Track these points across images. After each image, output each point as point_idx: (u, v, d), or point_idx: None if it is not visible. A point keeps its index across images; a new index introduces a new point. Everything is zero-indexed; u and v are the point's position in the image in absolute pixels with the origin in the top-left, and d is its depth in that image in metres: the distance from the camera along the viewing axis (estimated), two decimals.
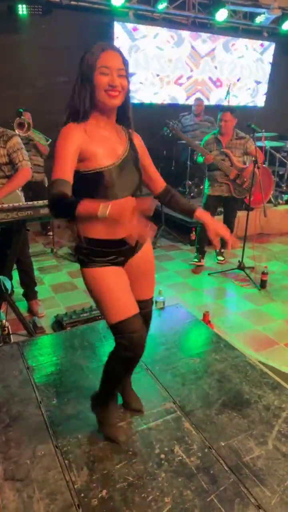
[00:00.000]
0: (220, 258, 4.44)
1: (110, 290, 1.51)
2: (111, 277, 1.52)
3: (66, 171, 1.35)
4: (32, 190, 4.04)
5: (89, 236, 1.50)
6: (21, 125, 4.09)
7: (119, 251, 1.53)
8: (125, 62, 1.39)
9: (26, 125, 4.11)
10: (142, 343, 1.55)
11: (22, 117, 4.19)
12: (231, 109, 4.00)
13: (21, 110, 4.39)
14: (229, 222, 4.35)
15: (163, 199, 1.68)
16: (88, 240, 1.50)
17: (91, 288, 1.53)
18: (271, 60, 7.06)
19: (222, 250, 4.46)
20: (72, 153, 1.36)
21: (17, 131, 4.07)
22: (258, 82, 7.15)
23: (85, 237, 1.50)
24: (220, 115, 3.91)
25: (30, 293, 3.25)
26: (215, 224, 1.55)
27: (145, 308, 1.72)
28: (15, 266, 3.07)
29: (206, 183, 4.15)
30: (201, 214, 1.60)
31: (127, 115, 1.51)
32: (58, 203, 1.31)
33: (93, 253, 1.51)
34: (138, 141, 1.58)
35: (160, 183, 1.69)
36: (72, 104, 1.41)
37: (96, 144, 1.41)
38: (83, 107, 1.40)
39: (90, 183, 1.41)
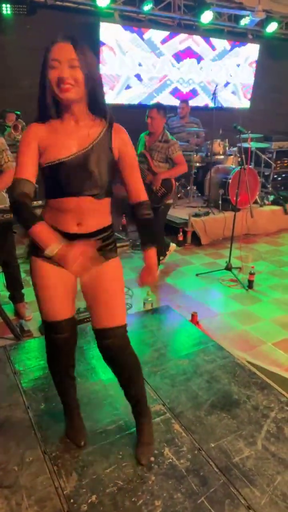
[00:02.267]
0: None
1: (46, 287, 1.51)
2: (51, 275, 1.49)
3: (26, 169, 1.37)
4: None
5: (43, 219, 1.46)
6: (16, 127, 4.08)
7: None
8: (79, 52, 1.30)
9: (21, 128, 4.10)
10: (64, 348, 1.60)
11: (19, 119, 4.18)
12: (157, 106, 3.60)
13: (7, 110, 4.35)
14: (157, 232, 3.94)
15: (132, 214, 1.59)
16: None
17: (32, 278, 1.54)
18: (255, 62, 7.13)
19: (162, 258, 4.17)
20: (31, 150, 1.38)
21: (12, 132, 4.06)
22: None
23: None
24: (147, 112, 3.53)
25: (16, 296, 3.20)
26: (147, 272, 1.60)
27: (104, 338, 1.55)
28: (1, 269, 3.02)
29: None
30: (148, 256, 1.59)
31: (100, 107, 1.42)
32: (18, 211, 1.36)
33: None
34: (119, 140, 1.46)
35: (135, 196, 1.55)
36: (38, 103, 1.40)
37: (54, 138, 1.39)
38: (44, 104, 1.38)
39: (47, 178, 1.41)
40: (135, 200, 1.56)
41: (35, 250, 1.48)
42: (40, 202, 2.47)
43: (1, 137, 2.67)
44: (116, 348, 1.56)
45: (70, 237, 1.43)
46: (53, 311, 1.54)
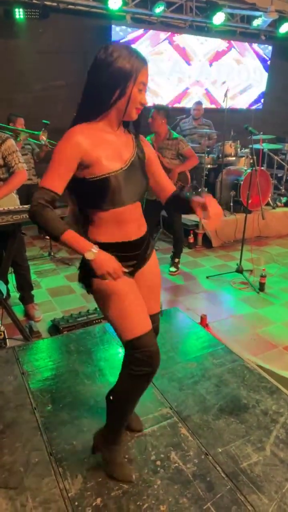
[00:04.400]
0: (172, 269, 4.17)
1: (126, 300, 1.40)
2: (126, 288, 1.41)
3: (56, 180, 1.31)
4: (30, 193, 4.04)
5: (99, 241, 1.40)
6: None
7: (132, 256, 1.47)
8: None
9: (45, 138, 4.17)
10: (159, 357, 1.45)
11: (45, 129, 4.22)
12: (157, 107, 3.79)
13: (15, 114, 4.39)
14: (173, 230, 4.25)
15: (171, 206, 1.60)
16: (99, 245, 1.34)
17: (104, 298, 1.41)
18: (268, 63, 7.07)
19: (176, 260, 4.21)
20: (69, 161, 1.30)
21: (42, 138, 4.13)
22: (251, 86, 7.15)
23: (95, 241, 1.39)
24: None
25: (26, 297, 3.22)
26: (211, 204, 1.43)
27: (154, 322, 1.55)
28: (11, 270, 3.05)
29: None
30: (197, 198, 1.48)
31: (140, 122, 1.46)
32: (41, 219, 1.28)
33: None
34: (146, 146, 1.52)
35: (168, 191, 1.59)
36: (86, 104, 1.35)
37: (101, 149, 1.34)
38: (98, 110, 1.35)
39: (97, 190, 1.35)
40: (170, 192, 1.59)
41: (93, 271, 1.33)
42: (58, 212, 2.45)
43: (10, 138, 2.68)
44: (158, 330, 1.69)
45: (134, 244, 1.45)
46: (142, 322, 1.42)
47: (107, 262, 1.28)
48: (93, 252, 1.27)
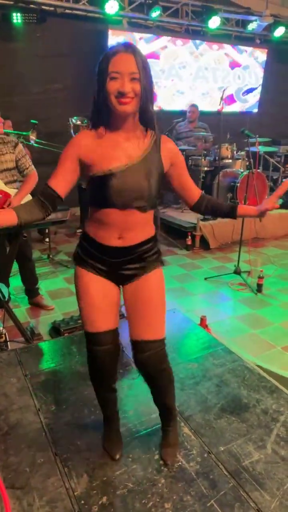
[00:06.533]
0: None
1: (89, 297, 1.49)
2: (94, 285, 1.49)
3: (58, 179, 1.40)
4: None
5: (85, 230, 1.52)
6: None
7: (104, 261, 1.48)
8: (139, 65, 1.27)
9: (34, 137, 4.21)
10: (105, 360, 1.54)
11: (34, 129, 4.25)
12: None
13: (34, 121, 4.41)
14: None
15: (199, 209, 1.58)
16: (84, 234, 1.52)
17: (75, 286, 1.54)
18: (263, 67, 7.15)
19: None
20: (68, 160, 1.38)
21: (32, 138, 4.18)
22: (250, 89, 7.21)
23: (83, 231, 1.53)
24: None
25: (33, 290, 3.32)
26: (262, 207, 1.52)
27: (141, 351, 1.51)
28: (16, 270, 3.10)
29: None
30: (245, 209, 1.57)
31: (150, 117, 1.39)
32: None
33: (83, 249, 1.51)
34: (168, 151, 1.44)
35: (194, 194, 1.55)
36: (91, 109, 1.39)
37: (104, 149, 1.36)
38: (97, 113, 1.37)
39: (94, 188, 1.39)
40: (197, 195, 1.56)
41: (80, 259, 1.51)
42: (59, 215, 2.55)
43: (20, 142, 2.76)
44: (152, 363, 1.55)
45: (111, 251, 1.45)
46: (96, 322, 1.50)
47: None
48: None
